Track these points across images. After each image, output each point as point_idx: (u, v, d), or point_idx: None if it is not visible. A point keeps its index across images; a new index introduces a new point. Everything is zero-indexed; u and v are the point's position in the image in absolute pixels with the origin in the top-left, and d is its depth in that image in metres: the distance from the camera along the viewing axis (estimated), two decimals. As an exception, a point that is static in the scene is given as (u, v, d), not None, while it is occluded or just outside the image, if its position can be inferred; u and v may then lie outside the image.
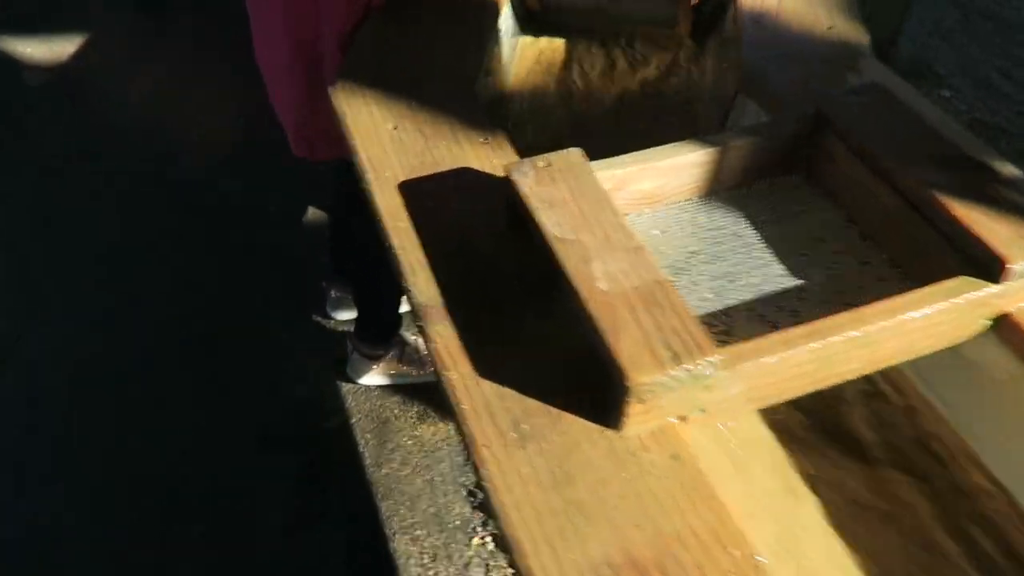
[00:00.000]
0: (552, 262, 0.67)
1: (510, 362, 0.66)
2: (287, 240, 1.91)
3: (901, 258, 0.77)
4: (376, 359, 1.54)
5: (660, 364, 0.59)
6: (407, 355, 1.55)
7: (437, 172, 0.82)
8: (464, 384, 0.65)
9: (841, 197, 0.82)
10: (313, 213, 1.94)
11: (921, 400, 0.82)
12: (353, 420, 1.50)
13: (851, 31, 1.04)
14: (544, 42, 1.30)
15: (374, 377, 1.56)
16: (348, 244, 1.54)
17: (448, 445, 1.45)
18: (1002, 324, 0.72)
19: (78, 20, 2.72)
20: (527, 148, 0.96)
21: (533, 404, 0.64)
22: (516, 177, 0.72)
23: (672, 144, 0.79)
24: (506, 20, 1.14)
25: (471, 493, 1.38)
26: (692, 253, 0.78)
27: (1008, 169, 0.78)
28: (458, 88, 0.94)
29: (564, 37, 1.20)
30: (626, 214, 0.81)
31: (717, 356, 0.60)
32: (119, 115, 2.34)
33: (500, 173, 0.82)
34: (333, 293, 1.67)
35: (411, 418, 1.51)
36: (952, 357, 0.74)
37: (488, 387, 0.65)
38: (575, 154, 0.74)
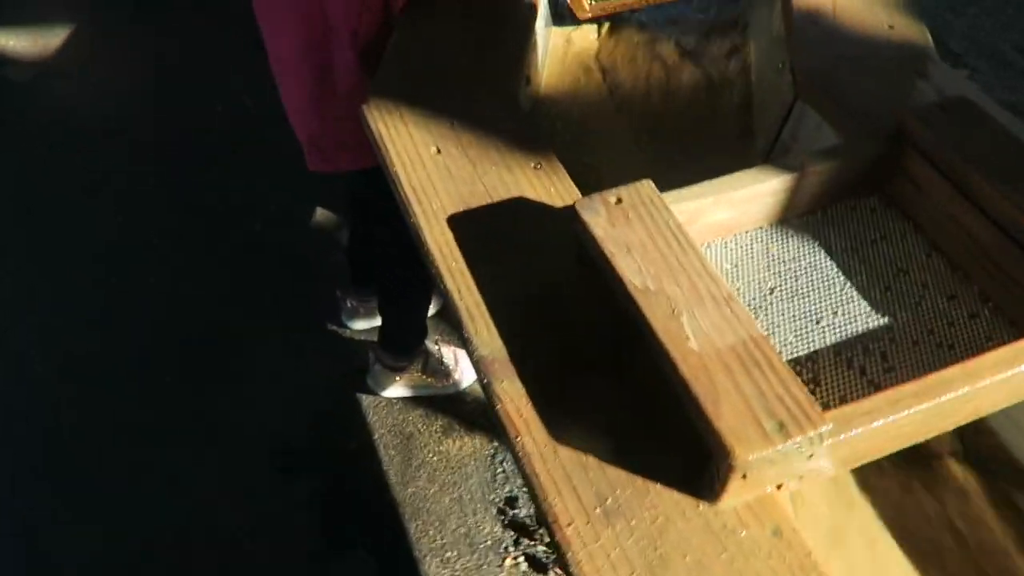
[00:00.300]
0: (634, 315, 0.61)
1: (589, 425, 0.61)
2: (292, 239, 1.84)
3: (992, 290, 0.72)
4: (400, 370, 1.48)
5: (767, 437, 0.53)
6: (431, 366, 1.50)
7: (489, 203, 0.75)
8: (540, 452, 0.60)
9: (924, 223, 0.77)
10: (321, 213, 1.86)
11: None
12: (376, 436, 1.44)
13: (913, 30, 0.98)
14: (579, 37, 1.22)
15: (397, 389, 1.50)
16: (369, 253, 1.47)
17: (475, 460, 1.40)
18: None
19: (76, 17, 2.61)
20: (567, 156, 0.91)
21: (618, 474, 0.59)
22: (587, 217, 0.65)
23: (747, 171, 0.73)
24: (540, 20, 1.06)
25: (501, 511, 1.34)
26: (770, 290, 0.72)
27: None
28: (501, 102, 0.87)
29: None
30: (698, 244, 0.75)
31: (827, 425, 0.55)
32: (117, 111, 2.24)
33: (557, 203, 0.76)
34: (349, 303, 1.60)
35: (436, 432, 1.45)
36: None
37: (567, 455, 0.59)
38: (647, 188, 0.68)
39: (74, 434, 1.51)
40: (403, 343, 1.46)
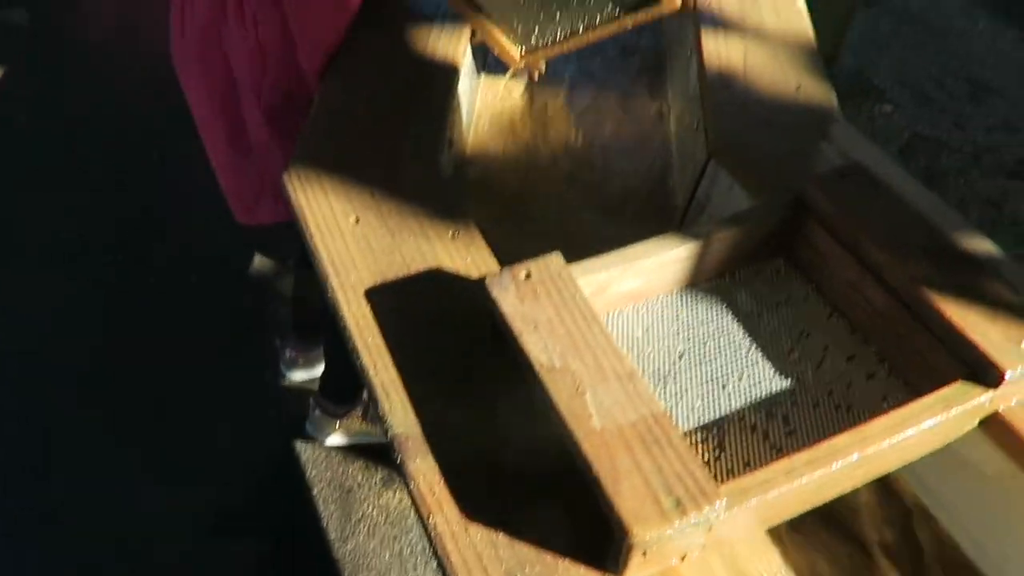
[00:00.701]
0: (541, 393, 0.62)
1: (500, 502, 0.62)
2: (229, 290, 1.82)
3: (888, 352, 0.75)
4: (340, 416, 1.48)
5: (664, 516, 0.55)
6: (371, 413, 1.50)
7: (407, 275, 0.77)
8: (451, 531, 0.61)
9: (825, 287, 0.80)
10: (260, 262, 1.85)
11: (910, 495, 0.81)
12: (316, 491, 1.43)
13: (819, 91, 1.02)
14: (505, 93, 1.25)
15: (337, 437, 1.50)
16: (314, 299, 1.47)
17: (415, 513, 1.39)
18: (991, 421, 0.71)
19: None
20: (489, 215, 0.92)
21: (527, 551, 0.60)
22: (496, 293, 0.67)
23: (654, 240, 0.76)
24: (465, 79, 1.09)
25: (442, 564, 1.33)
26: (679, 355, 0.75)
27: (999, 261, 0.77)
28: (422, 168, 0.89)
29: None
30: (607, 313, 0.77)
31: (722, 500, 0.57)
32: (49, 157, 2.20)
33: (473, 273, 0.78)
34: (288, 353, 1.59)
35: (376, 484, 1.45)
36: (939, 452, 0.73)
37: (477, 533, 0.61)
38: (556, 262, 0.70)
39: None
40: (343, 387, 1.46)
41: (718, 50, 1.06)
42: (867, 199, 0.79)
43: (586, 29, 1.03)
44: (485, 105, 1.24)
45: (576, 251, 1.03)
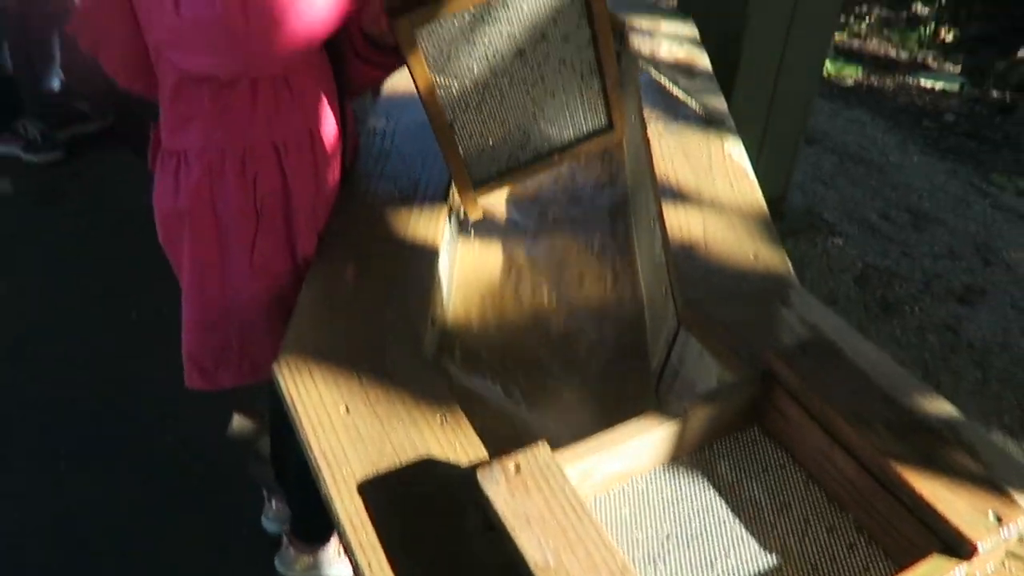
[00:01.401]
0: (536, 591, 0.64)
1: None
2: (206, 450, 1.81)
3: (865, 522, 0.78)
4: (311, 552, 1.47)
5: None
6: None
7: (398, 466, 0.79)
8: None
9: (799, 456, 0.84)
10: (238, 422, 1.85)
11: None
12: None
13: (774, 258, 1.10)
14: (480, 255, 1.32)
15: (308, 573, 1.47)
16: (286, 454, 1.47)
17: None
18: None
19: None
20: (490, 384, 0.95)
21: None
22: (488, 489, 0.69)
23: (635, 422, 0.79)
24: (444, 255, 1.15)
25: None
26: (667, 536, 0.77)
27: (959, 425, 0.82)
28: (406, 351, 0.93)
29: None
30: (594, 496, 0.79)
31: None
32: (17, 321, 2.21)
33: (464, 460, 0.80)
34: (275, 504, 1.58)
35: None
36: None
37: None
38: (543, 452, 0.73)
39: None
40: (315, 530, 1.45)
41: (679, 221, 1.14)
42: (829, 371, 0.84)
43: (535, 161, 1.14)
44: (463, 270, 1.30)
45: (558, 413, 1.06)
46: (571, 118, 1.13)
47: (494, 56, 1.02)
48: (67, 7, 1.01)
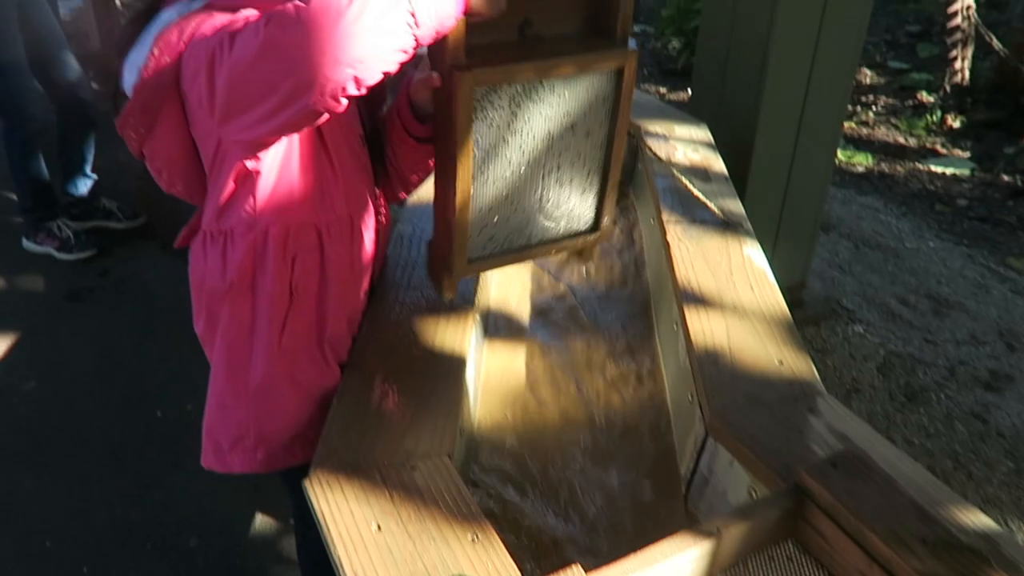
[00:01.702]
0: None
1: None
2: (231, 551, 1.79)
3: (910, 643, 0.76)
4: None
5: None
6: None
7: (431, 588, 0.78)
8: None
9: (837, 573, 0.83)
10: (262, 521, 1.84)
11: None
12: None
13: (800, 364, 1.10)
14: (506, 357, 1.33)
15: None
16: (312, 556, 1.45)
17: None
18: None
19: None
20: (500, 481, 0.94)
21: None
22: (524, 617, 0.69)
23: (669, 541, 0.79)
24: (471, 364, 1.16)
25: None
26: (705, 661, 0.75)
27: (993, 535, 0.81)
28: (437, 467, 0.93)
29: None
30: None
31: None
32: (42, 417, 2.24)
33: (496, 582, 0.79)
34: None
35: None
36: None
37: None
38: (576, 574, 0.73)
39: None
40: None
41: (702, 326, 1.16)
42: (862, 485, 0.83)
43: (526, 248, 1.13)
44: (488, 374, 1.31)
45: (587, 526, 1.05)
46: (571, 211, 1.14)
47: (527, 134, 1.04)
48: (117, 107, 1.02)
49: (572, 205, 1.14)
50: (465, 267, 1.08)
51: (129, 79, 1.00)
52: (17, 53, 2.68)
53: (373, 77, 0.83)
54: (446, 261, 1.08)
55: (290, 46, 0.81)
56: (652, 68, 5.39)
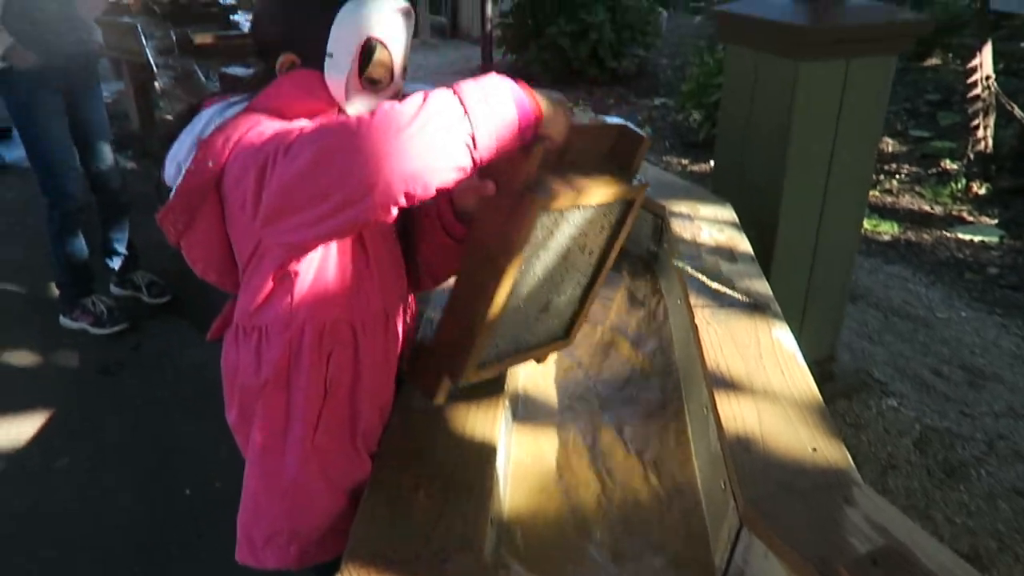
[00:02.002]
0: None
1: None
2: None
3: None
4: None
5: None
6: None
7: None
8: None
9: None
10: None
11: None
12: None
13: (835, 452, 1.08)
14: (535, 449, 1.32)
15: None
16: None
17: None
18: None
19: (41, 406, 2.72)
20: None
21: None
22: None
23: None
24: (500, 453, 1.16)
25: None
26: None
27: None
28: (469, 559, 0.92)
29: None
30: None
31: None
32: (70, 496, 2.25)
33: None
34: None
35: None
36: None
37: None
38: None
39: None
40: None
41: (733, 412, 1.15)
42: (906, 586, 0.81)
43: (515, 354, 1.18)
44: (518, 459, 1.31)
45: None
46: (557, 320, 1.21)
47: (551, 250, 1.08)
48: (160, 195, 1.04)
49: (560, 311, 1.21)
50: (474, 373, 1.11)
51: (170, 171, 1.04)
52: (62, 134, 2.81)
53: (427, 192, 0.84)
54: (455, 366, 1.08)
55: (347, 156, 0.82)
56: (673, 140, 5.49)
